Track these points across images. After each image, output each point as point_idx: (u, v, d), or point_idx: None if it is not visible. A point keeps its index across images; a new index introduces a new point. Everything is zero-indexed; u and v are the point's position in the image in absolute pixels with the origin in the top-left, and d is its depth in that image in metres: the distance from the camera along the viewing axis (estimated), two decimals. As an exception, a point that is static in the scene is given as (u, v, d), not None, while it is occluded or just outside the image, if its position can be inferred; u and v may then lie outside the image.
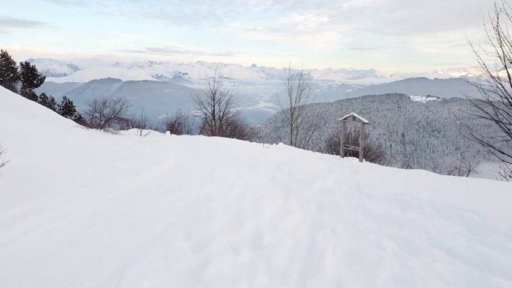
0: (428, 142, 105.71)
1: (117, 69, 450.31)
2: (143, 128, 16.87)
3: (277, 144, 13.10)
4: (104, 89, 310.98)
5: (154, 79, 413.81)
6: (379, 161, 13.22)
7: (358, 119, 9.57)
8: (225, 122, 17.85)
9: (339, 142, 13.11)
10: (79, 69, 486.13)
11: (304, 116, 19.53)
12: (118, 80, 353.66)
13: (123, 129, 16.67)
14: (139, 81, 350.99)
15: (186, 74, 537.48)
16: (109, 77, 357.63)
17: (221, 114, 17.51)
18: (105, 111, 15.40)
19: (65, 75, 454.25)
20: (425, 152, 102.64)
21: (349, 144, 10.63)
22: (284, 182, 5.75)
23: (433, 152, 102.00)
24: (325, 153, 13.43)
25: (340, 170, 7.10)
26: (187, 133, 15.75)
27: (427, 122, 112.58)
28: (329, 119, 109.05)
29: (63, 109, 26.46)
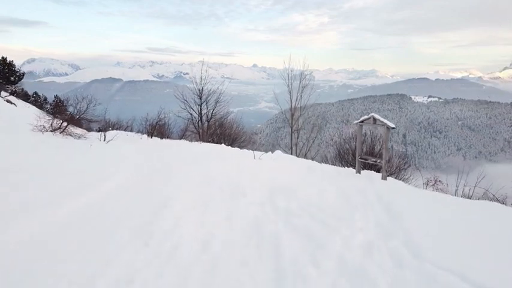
0: (430, 143, 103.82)
1: (118, 69, 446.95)
2: (127, 130, 14.55)
3: (273, 152, 10.58)
4: (105, 88, 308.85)
5: (155, 79, 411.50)
6: (399, 173, 10.65)
7: (381, 121, 6.93)
8: (215, 123, 15.29)
9: (351, 150, 10.57)
10: (80, 69, 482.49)
11: (306, 117, 17.01)
12: (119, 80, 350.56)
13: (103, 131, 14.37)
14: (140, 81, 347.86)
15: (187, 73, 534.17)
16: (110, 77, 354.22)
17: (209, 115, 14.92)
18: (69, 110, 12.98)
19: (66, 74, 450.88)
20: (426, 152, 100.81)
21: (368, 156, 8.00)
22: (275, 236, 3.25)
23: (435, 152, 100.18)
24: (333, 163, 10.88)
25: (364, 203, 4.58)
26: (168, 137, 13.26)
27: (428, 123, 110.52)
28: (330, 119, 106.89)
29: (53, 108, 24.44)
